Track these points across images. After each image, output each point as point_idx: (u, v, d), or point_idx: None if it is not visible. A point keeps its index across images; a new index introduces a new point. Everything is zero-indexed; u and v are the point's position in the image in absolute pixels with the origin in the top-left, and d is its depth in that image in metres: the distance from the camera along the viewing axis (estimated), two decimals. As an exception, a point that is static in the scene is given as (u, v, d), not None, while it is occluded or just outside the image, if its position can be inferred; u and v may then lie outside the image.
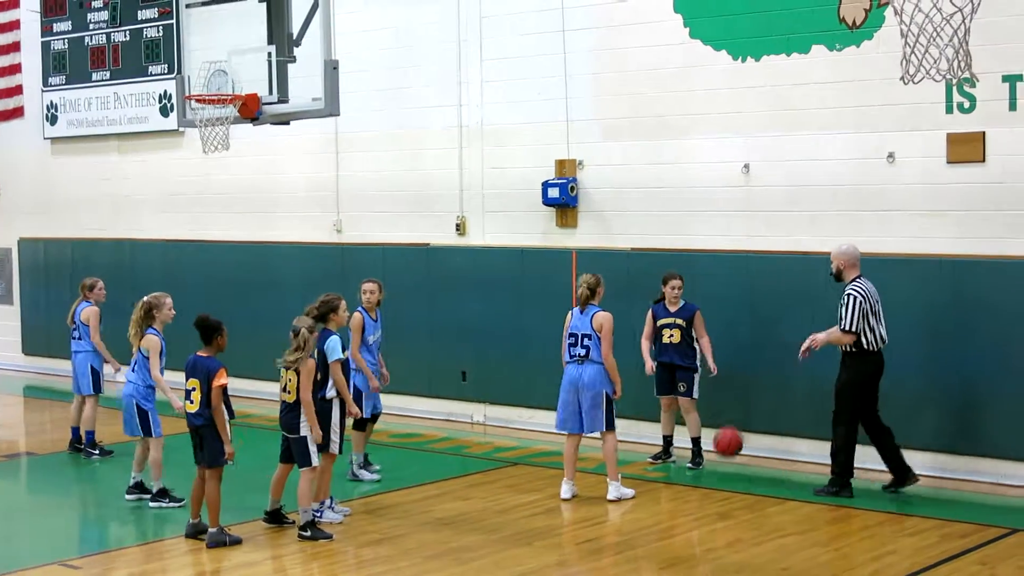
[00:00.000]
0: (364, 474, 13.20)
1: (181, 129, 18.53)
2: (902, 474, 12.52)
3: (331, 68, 13.27)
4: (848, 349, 12.35)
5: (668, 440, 13.98)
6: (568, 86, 15.48)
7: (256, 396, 17.63)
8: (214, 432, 11.01)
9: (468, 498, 12.67)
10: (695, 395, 13.63)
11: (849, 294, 12.22)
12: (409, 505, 12.37)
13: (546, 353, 15.20)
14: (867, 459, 13.30)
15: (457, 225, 16.64)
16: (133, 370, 12.66)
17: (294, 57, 13.78)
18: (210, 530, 11.00)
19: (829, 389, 12.57)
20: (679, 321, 13.67)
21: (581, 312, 12.42)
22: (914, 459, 12.94)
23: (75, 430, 15.05)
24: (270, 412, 17.02)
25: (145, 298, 12.66)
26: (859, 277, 12.35)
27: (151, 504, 12.37)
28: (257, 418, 16.55)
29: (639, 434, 14.79)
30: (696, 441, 13.72)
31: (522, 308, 15.86)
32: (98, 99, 20.97)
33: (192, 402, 11.08)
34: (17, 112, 22.49)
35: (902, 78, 9.93)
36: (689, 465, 13.64)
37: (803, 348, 12.46)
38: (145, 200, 20.57)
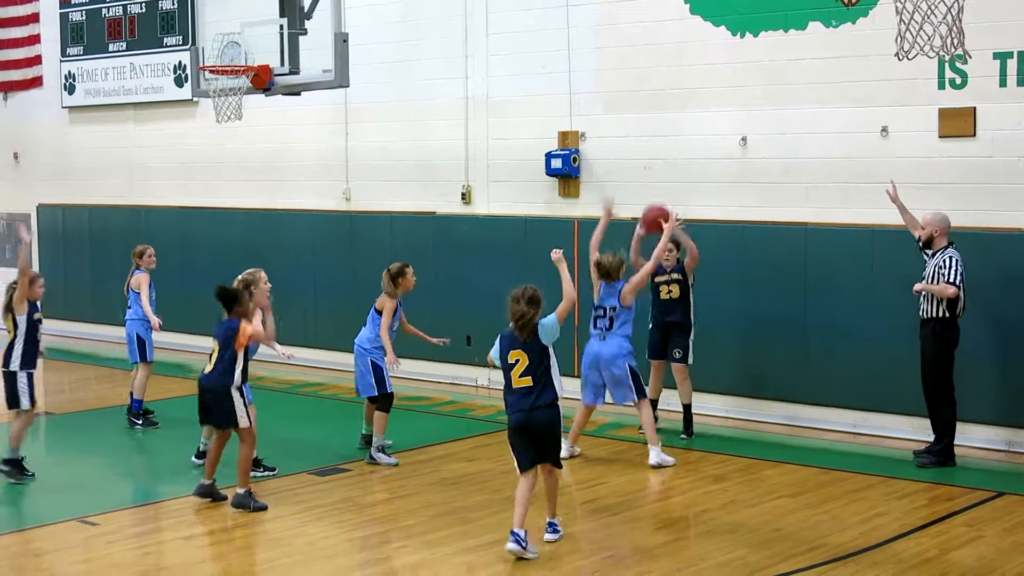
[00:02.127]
0: (383, 458, 12.53)
1: (195, 99, 18.47)
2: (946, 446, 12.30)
3: (341, 40, 13.29)
4: (943, 315, 12.00)
5: (654, 404, 13.87)
6: (571, 60, 15.45)
7: (266, 359, 17.63)
8: (219, 397, 10.89)
9: (473, 459, 12.71)
10: (690, 361, 13.40)
11: (952, 256, 11.93)
12: (416, 466, 12.42)
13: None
14: (862, 424, 13.40)
15: (463, 194, 16.64)
16: None
17: (305, 29, 13.80)
18: (237, 491, 10.93)
19: (819, 357, 12.59)
20: (675, 276, 13.39)
21: (608, 286, 12.30)
22: (903, 423, 13.02)
23: (132, 396, 14.65)
24: (281, 374, 17.15)
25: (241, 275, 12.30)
26: (951, 245, 12.13)
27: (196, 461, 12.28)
28: (268, 380, 16.60)
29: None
30: (687, 408, 13.57)
31: (526, 275, 15.56)
32: (115, 69, 20.95)
33: (210, 363, 11.06)
34: (36, 82, 22.47)
35: (896, 54, 9.90)
36: (682, 436, 13.47)
37: (917, 288, 12.12)
38: (160, 168, 20.57)
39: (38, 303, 12.42)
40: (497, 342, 9.72)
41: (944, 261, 11.96)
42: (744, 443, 13.38)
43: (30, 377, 12.19)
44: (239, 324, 10.91)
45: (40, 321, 12.43)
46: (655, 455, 12.21)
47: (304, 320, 18.24)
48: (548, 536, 9.77)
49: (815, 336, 13.70)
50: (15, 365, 12.13)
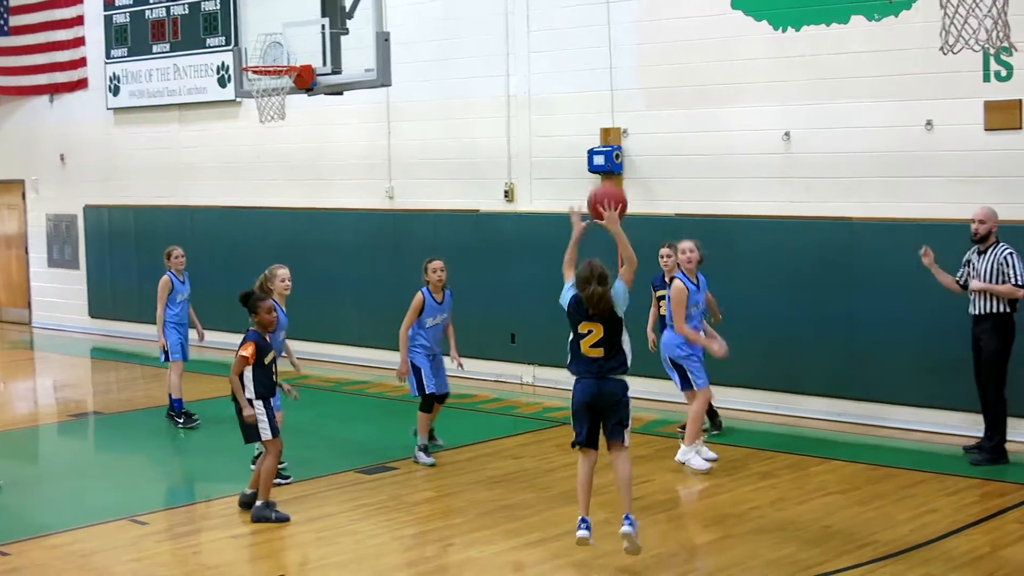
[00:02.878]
0: (423, 457, 12.40)
1: (239, 99, 18.50)
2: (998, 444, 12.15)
3: (383, 40, 13.25)
4: (1003, 310, 11.86)
5: None
6: (613, 56, 15.37)
7: (312, 357, 17.69)
8: (238, 409, 10.68)
9: (519, 457, 12.67)
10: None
11: (1010, 252, 11.77)
12: (463, 463, 12.39)
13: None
14: (912, 420, 13.27)
15: (505, 192, 16.59)
16: None
17: (347, 29, 13.77)
18: (256, 504, 10.72)
19: (868, 351, 12.49)
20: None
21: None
22: (954, 419, 12.90)
23: (170, 397, 14.69)
24: (326, 373, 17.19)
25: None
26: (999, 240, 11.95)
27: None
28: (314, 379, 16.62)
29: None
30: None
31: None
32: (159, 71, 21.01)
33: None
34: (81, 84, 22.58)
35: (941, 48, 9.77)
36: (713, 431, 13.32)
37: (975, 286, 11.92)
38: (204, 168, 20.62)
39: None
40: (569, 295, 9.54)
41: (1005, 259, 11.78)
42: (792, 440, 13.26)
43: None
44: (243, 342, 10.63)
45: None
46: (681, 453, 12.08)
47: (348, 318, 18.26)
48: (625, 529, 9.11)
49: (862, 331, 13.57)
50: None
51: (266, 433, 10.65)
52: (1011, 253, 11.80)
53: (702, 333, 12.19)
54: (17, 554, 9.92)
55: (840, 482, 11.45)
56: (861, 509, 10.55)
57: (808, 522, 10.19)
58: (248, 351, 10.55)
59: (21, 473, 12.78)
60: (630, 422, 9.27)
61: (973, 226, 11.98)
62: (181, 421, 14.39)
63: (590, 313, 9.27)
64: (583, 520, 9.14)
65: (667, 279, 12.60)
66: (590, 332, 9.29)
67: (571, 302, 9.45)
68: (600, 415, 9.26)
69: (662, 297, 12.78)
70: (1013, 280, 11.72)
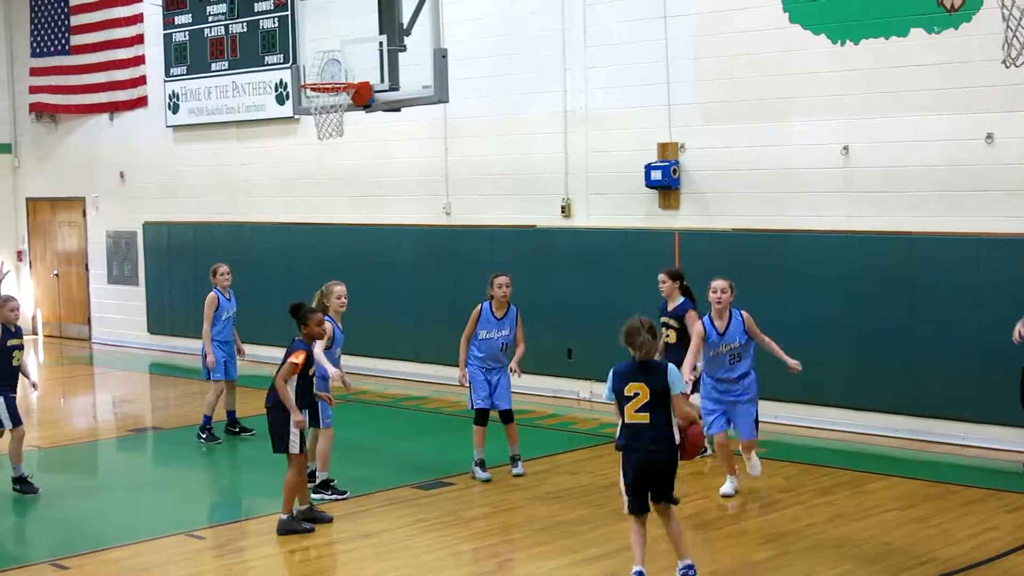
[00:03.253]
0: (479, 472, 12.41)
1: (297, 116, 18.67)
2: None
3: (440, 56, 13.32)
4: None
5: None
6: (670, 71, 15.38)
7: (370, 373, 17.81)
8: (278, 416, 10.69)
9: (576, 472, 12.68)
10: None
11: None
12: (519, 479, 12.40)
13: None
14: (971, 436, 13.17)
15: (562, 207, 16.62)
16: None
17: (404, 46, 13.86)
18: (280, 517, 10.75)
19: (926, 367, 12.43)
20: (671, 321, 12.62)
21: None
22: (1013, 435, 12.78)
23: (230, 413, 14.81)
24: (384, 388, 17.28)
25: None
26: None
27: (313, 495, 11.63)
28: (371, 394, 16.70)
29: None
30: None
31: (626, 287, 15.78)
32: (217, 88, 21.22)
33: None
34: (141, 102, 22.84)
35: (1003, 61, 9.73)
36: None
37: (1016, 332, 11.83)
38: (262, 184, 20.80)
39: (12, 327, 12.40)
40: (610, 378, 9.10)
41: None
42: (849, 456, 13.20)
43: (9, 400, 12.25)
44: (294, 350, 10.72)
45: (18, 347, 12.39)
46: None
47: (405, 334, 18.34)
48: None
49: (921, 347, 13.49)
50: None
51: (294, 447, 10.69)
52: None
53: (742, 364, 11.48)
54: (76, 568, 10.05)
55: (898, 498, 11.38)
56: (920, 526, 10.48)
57: (866, 539, 10.13)
58: (299, 358, 10.63)
59: (80, 487, 12.93)
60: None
61: None
62: (204, 436, 14.50)
63: (638, 372, 8.94)
64: (639, 572, 8.88)
65: (668, 307, 12.63)
66: (637, 395, 8.91)
67: (616, 370, 9.13)
68: (654, 481, 8.95)
69: (664, 324, 12.57)
70: None
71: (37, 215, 25.60)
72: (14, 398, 12.35)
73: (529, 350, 15.27)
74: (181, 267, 21.91)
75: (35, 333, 24.86)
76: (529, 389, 16.64)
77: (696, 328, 11.45)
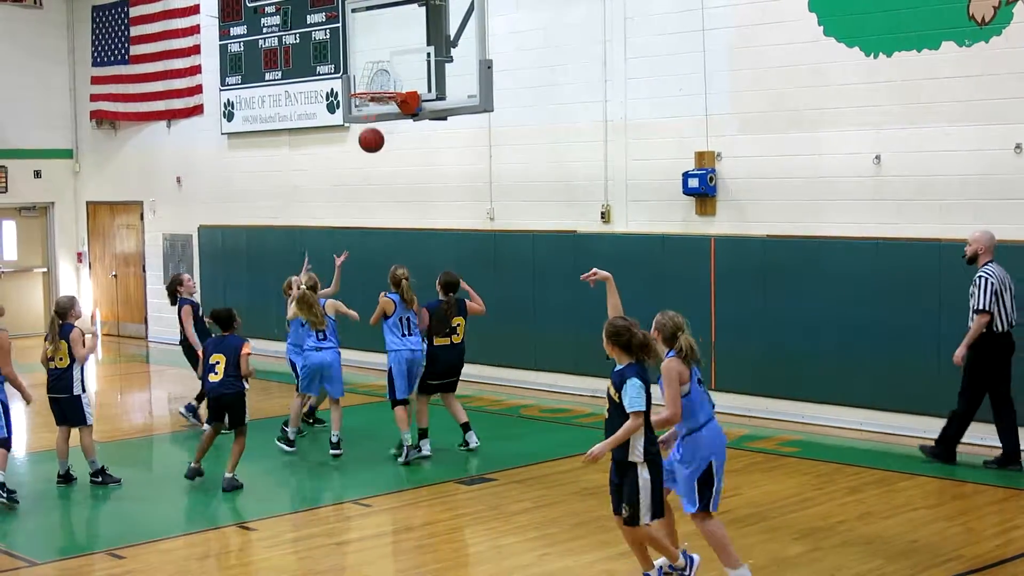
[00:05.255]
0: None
1: (347, 125, 18.83)
2: (1011, 453, 12.37)
3: (485, 67, 13.42)
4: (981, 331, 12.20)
5: None
6: (707, 82, 15.44)
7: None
8: (238, 399, 12.22)
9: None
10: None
11: (981, 276, 12.17)
12: (558, 476, 12.50)
13: (686, 334, 15.30)
14: (994, 437, 13.14)
15: (602, 213, 16.70)
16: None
17: (451, 57, 13.96)
18: (226, 475, 12.22)
19: (954, 370, 12.44)
20: None
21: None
22: (1039, 437, 12.79)
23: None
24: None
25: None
26: (991, 262, 12.26)
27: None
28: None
29: (767, 409, 14.83)
30: None
31: (664, 292, 15.81)
32: (270, 97, 21.42)
33: (216, 373, 12.23)
34: (197, 110, 23.07)
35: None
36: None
37: (957, 357, 12.31)
38: (313, 190, 20.98)
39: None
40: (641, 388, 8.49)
41: (975, 282, 12.24)
42: (878, 455, 13.21)
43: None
44: (242, 343, 12.28)
45: None
46: None
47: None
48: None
49: (949, 350, 13.37)
50: None
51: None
52: (981, 276, 12.21)
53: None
54: (132, 557, 10.21)
55: (926, 497, 11.41)
56: (947, 524, 10.51)
57: (894, 536, 10.17)
58: (249, 347, 12.30)
59: (136, 480, 13.11)
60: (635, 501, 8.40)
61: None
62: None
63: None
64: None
65: None
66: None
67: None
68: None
69: None
70: (973, 305, 12.20)
71: (97, 218, 25.90)
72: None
73: (568, 351, 15.41)
74: (234, 269, 22.13)
75: (94, 331, 25.13)
76: (568, 389, 16.75)
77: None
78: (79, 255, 26.05)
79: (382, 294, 13.51)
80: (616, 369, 8.54)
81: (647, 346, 8.49)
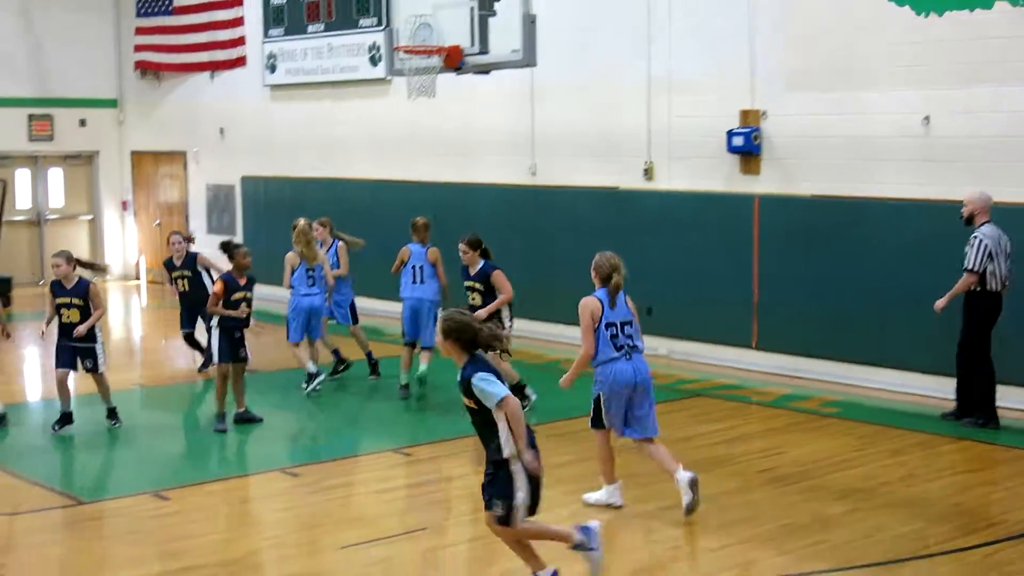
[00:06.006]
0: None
1: (389, 78, 18.69)
2: (968, 409, 12.45)
3: (529, 22, 13.26)
4: (973, 289, 12.17)
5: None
6: (753, 40, 15.18)
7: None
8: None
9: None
10: None
11: (976, 236, 12.16)
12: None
13: (728, 293, 15.17)
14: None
15: (645, 170, 16.50)
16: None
17: (495, 11, 13.78)
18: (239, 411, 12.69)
19: (1008, 333, 12.27)
20: (477, 284, 13.17)
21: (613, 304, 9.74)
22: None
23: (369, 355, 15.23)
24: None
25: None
26: (988, 222, 12.21)
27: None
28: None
29: (809, 370, 14.66)
30: None
31: (705, 249, 15.70)
32: (313, 50, 21.28)
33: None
34: (240, 62, 22.96)
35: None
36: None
37: (937, 306, 12.44)
38: (355, 143, 20.84)
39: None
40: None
41: (970, 242, 12.21)
42: (920, 418, 13.00)
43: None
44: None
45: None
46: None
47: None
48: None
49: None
50: None
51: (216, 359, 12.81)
52: (976, 236, 12.20)
53: None
54: (177, 499, 10.24)
55: (970, 461, 11.25)
56: (991, 488, 10.36)
57: (937, 499, 10.02)
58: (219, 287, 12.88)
59: (180, 424, 13.09)
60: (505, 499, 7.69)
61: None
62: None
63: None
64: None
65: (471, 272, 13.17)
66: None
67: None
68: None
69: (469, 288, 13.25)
70: (965, 264, 12.19)
71: (141, 167, 25.89)
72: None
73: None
74: (276, 219, 21.98)
75: (138, 278, 25.18)
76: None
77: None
78: (124, 203, 26.07)
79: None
80: (460, 376, 7.66)
81: (495, 336, 7.72)
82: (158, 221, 25.49)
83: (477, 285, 13.17)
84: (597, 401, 9.79)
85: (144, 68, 24.99)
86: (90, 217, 26.05)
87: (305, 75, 21.54)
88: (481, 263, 13.22)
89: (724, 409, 13.38)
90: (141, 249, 25.79)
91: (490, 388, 7.49)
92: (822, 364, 14.60)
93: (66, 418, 12.50)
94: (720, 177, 15.67)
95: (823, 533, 9.21)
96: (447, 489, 10.65)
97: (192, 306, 15.43)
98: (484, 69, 14.23)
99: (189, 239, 15.83)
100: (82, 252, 24.82)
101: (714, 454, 11.43)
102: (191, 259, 15.40)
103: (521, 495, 7.62)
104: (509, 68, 14.19)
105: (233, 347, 12.68)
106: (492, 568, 8.74)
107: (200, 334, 14.76)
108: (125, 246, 26.15)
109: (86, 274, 12.56)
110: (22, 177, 25.30)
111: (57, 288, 12.39)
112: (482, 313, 12.44)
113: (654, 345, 16.23)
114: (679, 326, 16.03)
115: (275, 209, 22.15)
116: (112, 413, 12.65)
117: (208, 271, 15.44)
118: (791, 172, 14.97)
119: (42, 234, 25.46)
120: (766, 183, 15.19)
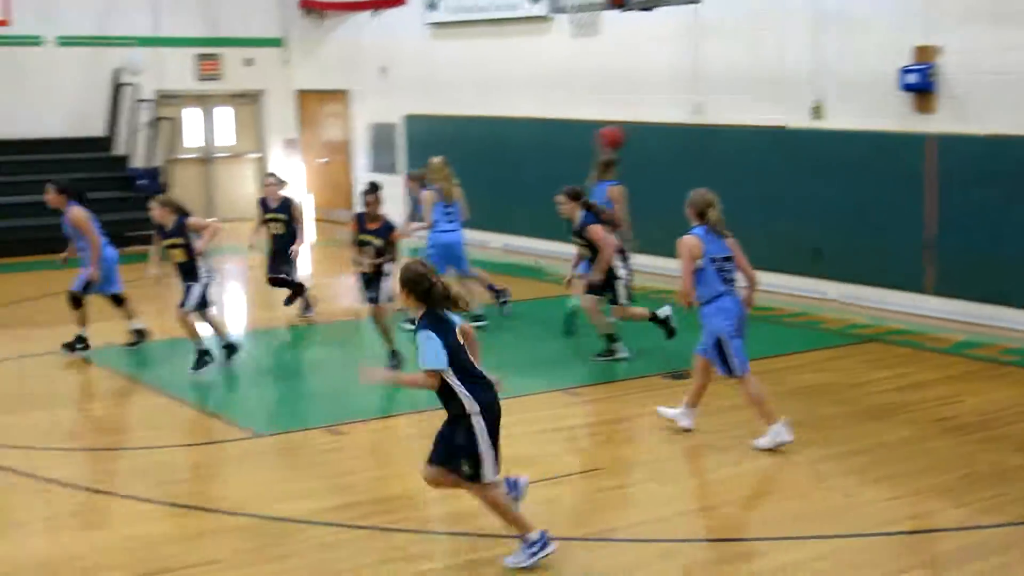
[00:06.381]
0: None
1: (550, 15, 18.47)
2: None
3: (695, -43, 12.94)
4: None
5: None
6: (930, -28, 14.59)
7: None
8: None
9: (822, 371, 12.34)
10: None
11: None
12: (766, 374, 11.95)
13: (900, 236, 14.73)
14: None
15: (813, 108, 16.03)
16: None
17: (660, -53, 13.50)
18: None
19: None
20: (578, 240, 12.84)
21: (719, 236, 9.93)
22: None
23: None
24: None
25: None
26: None
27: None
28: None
29: (988, 316, 14.16)
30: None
31: (876, 190, 15.21)
32: (474, -13, 21.18)
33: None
34: (401, 0, 22.93)
35: None
36: None
37: None
38: (516, 81, 20.68)
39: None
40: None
41: None
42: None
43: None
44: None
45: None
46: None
47: (652, 232, 18.03)
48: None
49: None
50: None
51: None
52: None
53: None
54: (347, 434, 10.42)
55: None
56: None
57: None
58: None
59: (351, 361, 13.18)
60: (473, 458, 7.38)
61: None
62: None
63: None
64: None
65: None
66: None
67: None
68: None
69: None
70: None
71: (306, 106, 26.14)
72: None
73: (776, 249, 14.88)
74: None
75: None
76: (773, 287, 16.21)
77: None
78: (290, 141, 26.37)
79: None
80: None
81: (449, 297, 7.31)
82: (324, 159, 25.75)
83: (579, 240, 12.69)
84: (719, 345, 9.71)
85: (308, 6, 25.15)
86: (258, 155, 26.43)
87: (465, 13, 21.44)
88: (582, 215, 12.58)
89: (897, 355, 12.98)
90: (309, 187, 26.09)
91: (422, 348, 7.15)
92: (1001, 310, 14.03)
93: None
94: (892, 116, 15.13)
95: (1003, 486, 8.86)
96: (604, 433, 10.53)
97: (283, 249, 15.26)
98: (648, 5, 13.96)
99: (283, 182, 15.64)
100: (250, 190, 25.25)
101: (887, 400, 11.10)
102: (286, 202, 15.26)
103: (484, 446, 7.30)
104: (673, 4, 13.91)
105: (369, 288, 12.74)
106: (666, 508, 8.60)
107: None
108: (292, 184, 26.45)
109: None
110: (191, 116, 25.77)
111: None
112: (597, 276, 12.20)
113: (821, 288, 15.93)
114: (848, 269, 15.61)
115: (437, 148, 22.01)
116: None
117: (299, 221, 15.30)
118: (968, 111, 14.35)
119: (211, 172, 25.94)
120: (942, 122, 14.59)
